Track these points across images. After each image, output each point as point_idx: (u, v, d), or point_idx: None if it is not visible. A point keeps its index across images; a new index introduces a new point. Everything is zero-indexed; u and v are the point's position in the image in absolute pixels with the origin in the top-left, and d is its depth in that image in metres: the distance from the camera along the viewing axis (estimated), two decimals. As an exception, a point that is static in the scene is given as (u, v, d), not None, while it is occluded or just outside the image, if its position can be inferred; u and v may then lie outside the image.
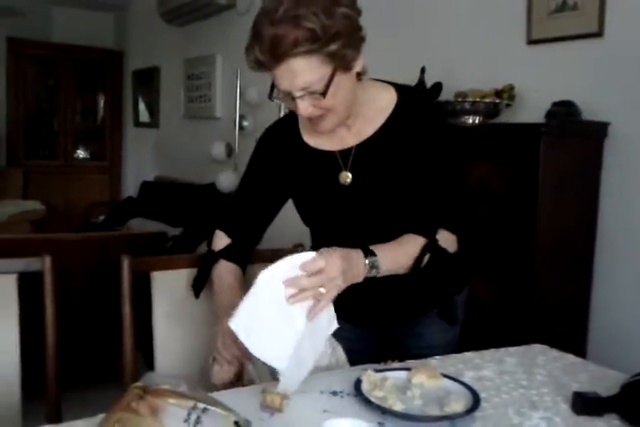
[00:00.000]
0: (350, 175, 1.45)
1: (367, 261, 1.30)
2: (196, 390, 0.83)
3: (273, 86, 1.31)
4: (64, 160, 7.20)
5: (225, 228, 1.54)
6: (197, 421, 0.74)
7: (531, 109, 2.56)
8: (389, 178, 1.44)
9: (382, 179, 1.44)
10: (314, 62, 1.23)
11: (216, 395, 1.19)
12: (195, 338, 1.59)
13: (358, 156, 1.45)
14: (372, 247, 1.32)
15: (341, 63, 1.26)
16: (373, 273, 1.31)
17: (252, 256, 1.57)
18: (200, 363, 1.52)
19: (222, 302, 1.42)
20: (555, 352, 1.54)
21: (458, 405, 1.16)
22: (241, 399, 1.19)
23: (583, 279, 2.38)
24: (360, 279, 1.29)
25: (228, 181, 4.28)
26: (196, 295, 1.52)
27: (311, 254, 1.22)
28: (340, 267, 1.21)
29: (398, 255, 1.38)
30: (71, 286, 2.33)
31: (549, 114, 2.35)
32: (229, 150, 4.69)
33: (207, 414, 0.76)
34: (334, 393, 1.25)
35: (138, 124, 6.90)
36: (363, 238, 1.40)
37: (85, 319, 2.75)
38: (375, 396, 1.19)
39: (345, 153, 1.46)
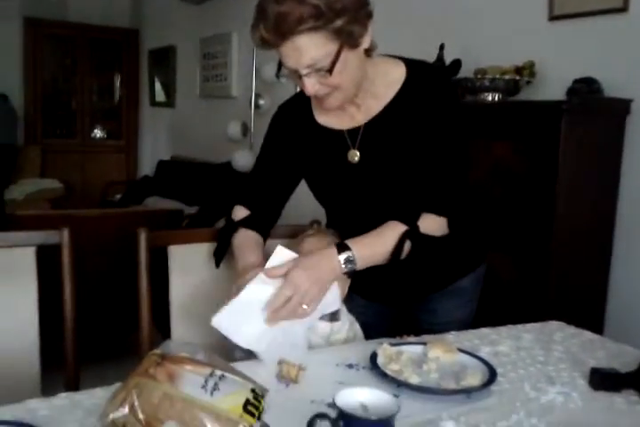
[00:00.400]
0: (358, 154, 1.44)
1: (342, 258, 1.30)
2: (214, 357, 0.83)
3: (280, 64, 1.30)
4: (81, 139, 7.25)
5: (244, 201, 1.54)
6: (215, 387, 0.74)
7: (552, 86, 2.52)
8: (397, 156, 1.42)
9: (390, 157, 1.42)
10: (319, 39, 1.20)
11: (234, 365, 1.20)
12: (212, 312, 1.59)
13: (367, 134, 1.43)
14: (347, 241, 1.33)
15: (348, 40, 1.23)
16: (349, 268, 1.31)
17: (271, 232, 1.57)
18: (218, 337, 1.52)
19: (242, 260, 1.42)
20: (572, 329, 1.53)
21: (474, 379, 1.15)
22: (258, 369, 1.19)
23: (602, 258, 2.36)
24: (337, 277, 1.32)
25: (243, 159, 4.27)
26: (217, 264, 1.52)
27: (291, 254, 1.32)
28: (306, 279, 1.26)
29: (376, 247, 1.35)
30: (89, 260, 2.35)
31: (571, 91, 2.30)
32: (245, 129, 4.68)
33: (224, 381, 0.76)
34: (350, 366, 1.25)
35: (154, 103, 6.91)
36: (373, 216, 1.39)
37: (103, 294, 2.78)
38: (391, 369, 1.19)
39: (353, 132, 1.44)
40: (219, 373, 0.77)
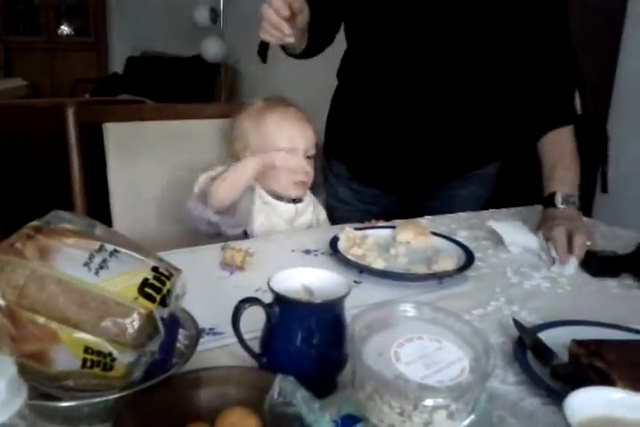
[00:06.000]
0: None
1: (559, 205, 1.19)
2: (114, 233, 0.66)
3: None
4: (47, 36, 6.80)
5: None
6: (102, 265, 0.57)
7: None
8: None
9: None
10: None
11: (169, 253, 1.04)
12: (161, 199, 1.41)
13: None
14: (547, 190, 1.23)
15: None
16: (572, 201, 1.20)
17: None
18: (162, 226, 1.36)
19: None
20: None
21: (447, 263, 1.00)
22: (198, 257, 1.04)
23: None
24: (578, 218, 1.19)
25: (214, 50, 3.95)
26: (264, 60, 1.32)
27: None
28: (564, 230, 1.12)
29: (571, 171, 1.24)
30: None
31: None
32: (214, 15, 4.29)
33: (116, 258, 0.58)
34: (307, 252, 1.09)
35: (122, -6, 6.38)
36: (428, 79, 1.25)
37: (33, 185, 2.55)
38: (353, 254, 1.03)
39: None
40: (110, 247, 0.59)
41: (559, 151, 1.25)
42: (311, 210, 1.28)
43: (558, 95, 1.29)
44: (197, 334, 0.66)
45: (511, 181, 1.39)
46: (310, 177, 1.25)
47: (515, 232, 1.16)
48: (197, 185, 1.18)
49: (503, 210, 1.38)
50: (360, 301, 0.75)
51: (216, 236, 1.16)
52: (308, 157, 1.23)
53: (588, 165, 1.36)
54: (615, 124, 2.17)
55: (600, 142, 1.46)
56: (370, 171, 1.45)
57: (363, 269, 0.98)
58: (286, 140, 1.21)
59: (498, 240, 1.16)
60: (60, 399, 0.57)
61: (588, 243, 1.09)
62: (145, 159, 1.37)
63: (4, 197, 1.45)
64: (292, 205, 1.25)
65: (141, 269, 0.59)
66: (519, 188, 1.94)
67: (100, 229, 0.66)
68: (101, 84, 5.66)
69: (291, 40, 1.06)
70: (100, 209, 1.34)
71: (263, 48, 1.28)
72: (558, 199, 1.19)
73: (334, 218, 1.36)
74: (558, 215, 1.17)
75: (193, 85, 4.13)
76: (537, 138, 1.28)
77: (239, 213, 1.16)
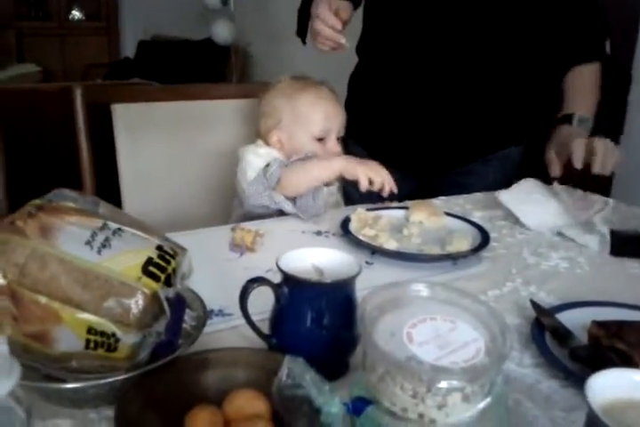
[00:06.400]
0: None
1: (574, 123, 1.24)
2: (118, 212, 0.64)
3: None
4: (58, 22, 6.78)
5: None
6: (104, 244, 0.55)
7: None
8: None
9: None
10: None
11: (178, 234, 1.02)
12: (170, 181, 1.39)
13: None
14: (566, 111, 1.27)
15: None
16: (586, 126, 1.25)
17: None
18: (172, 207, 1.34)
19: None
20: (579, 192, 1.33)
21: (462, 243, 0.97)
22: (208, 238, 1.02)
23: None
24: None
25: (224, 32, 3.90)
26: (304, 41, 1.31)
27: None
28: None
29: (591, 98, 1.29)
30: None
31: None
32: (225, -3, 4.24)
33: (119, 237, 0.57)
34: (318, 233, 1.07)
35: (132, -22, 6.34)
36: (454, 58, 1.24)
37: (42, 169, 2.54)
38: (365, 235, 1.01)
39: None
40: (113, 226, 0.57)
41: (581, 84, 1.29)
42: (337, 190, 1.27)
43: (586, 33, 1.31)
44: (205, 314, 0.65)
45: (533, 171, 1.36)
46: None
47: (527, 200, 1.13)
48: (252, 168, 1.12)
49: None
50: (372, 282, 0.73)
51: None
52: (338, 139, 1.21)
53: (609, 106, 1.39)
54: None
55: (623, 83, 1.49)
56: (388, 149, 1.42)
57: (375, 250, 0.96)
58: (320, 121, 1.18)
59: (515, 221, 1.13)
60: (64, 381, 0.55)
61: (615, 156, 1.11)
62: (154, 140, 1.35)
63: (15, 181, 1.44)
64: (324, 188, 1.22)
65: (145, 248, 0.57)
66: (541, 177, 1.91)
67: (103, 207, 0.64)
68: (113, 68, 5.66)
69: (347, 46, 1.12)
70: (109, 191, 1.33)
71: (302, 28, 1.26)
72: (575, 119, 1.23)
73: (348, 201, 1.34)
74: (574, 132, 1.20)
75: (204, 68, 4.11)
76: (563, 73, 1.30)
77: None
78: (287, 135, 1.18)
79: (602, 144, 1.09)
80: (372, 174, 1.02)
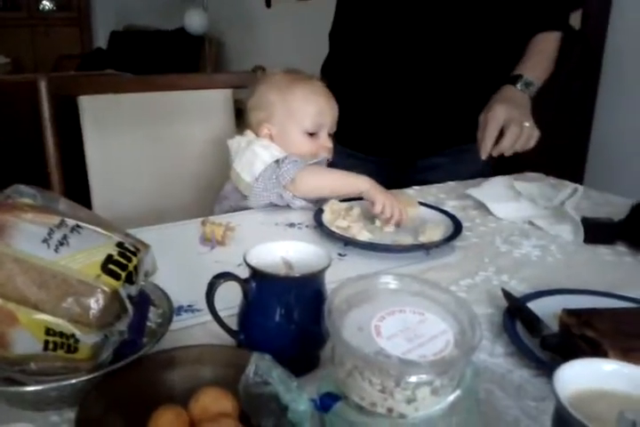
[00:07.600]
0: None
1: (519, 85, 1.25)
2: (78, 209, 0.62)
3: None
4: (28, 12, 6.63)
5: None
6: (62, 242, 0.54)
7: None
8: None
9: None
10: None
11: (147, 229, 1.01)
12: (138, 175, 1.37)
13: None
14: (515, 72, 1.28)
15: None
16: (532, 91, 1.27)
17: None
18: (141, 200, 1.32)
19: None
20: (551, 180, 1.33)
21: (434, 233, 0.97)
22: (177, 232, 1.01)
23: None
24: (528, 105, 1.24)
25: (197, 22, 3.85)
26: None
27: None
28: (505, 108, 1.19)
29: (542, 63, 1.31)
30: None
31: None
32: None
33: (78, 234, 0.55)
34: (291, 225, 1.06)
35: (103, -34, 6.22)
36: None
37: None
38: (338, 226, 1.00)
39: None
40: (71, 223, 0.55)
41: (537, 49, 1.31)
42: None
43: (550, 3, 1.34)
44: (171, 311, 0.63)
45: (505, 168, 1.35)
46: (332, 154, 1.20)
47: (497, 195, 1.13)
48: (261, 160, 1.09)
49: (491, 178, 1.34)
50: (345, 274, 0.72)
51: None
52: (330, 135, 1.19)
53: (569, 77, 1.42)
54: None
55: (586, 57, 1.53)
56: (357, 133, 1.42)
57: (347, 242, 0.95)
58: (313, 116, 1.16)
59: (487, 209, 1.13)
60: (24, 384, 0.54)
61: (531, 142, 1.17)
62: (123, 132, 1.33)
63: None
64: None
65: (105, 245, 0.56)
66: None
67: (63, 203, 0.62)
68: (85, 59, 5.55)
69: None
70: (78, 184, 1.30)
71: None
72: (520, 81, 1.25)
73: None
74: (507, 96, 1.22)
75: (178, 59, 4.06)
76: (526, 41, 1.32)
77: None
78: (278, 129, 1.16)
79: (513, 130, 1.14)
80: (388, 204, 1.02)
